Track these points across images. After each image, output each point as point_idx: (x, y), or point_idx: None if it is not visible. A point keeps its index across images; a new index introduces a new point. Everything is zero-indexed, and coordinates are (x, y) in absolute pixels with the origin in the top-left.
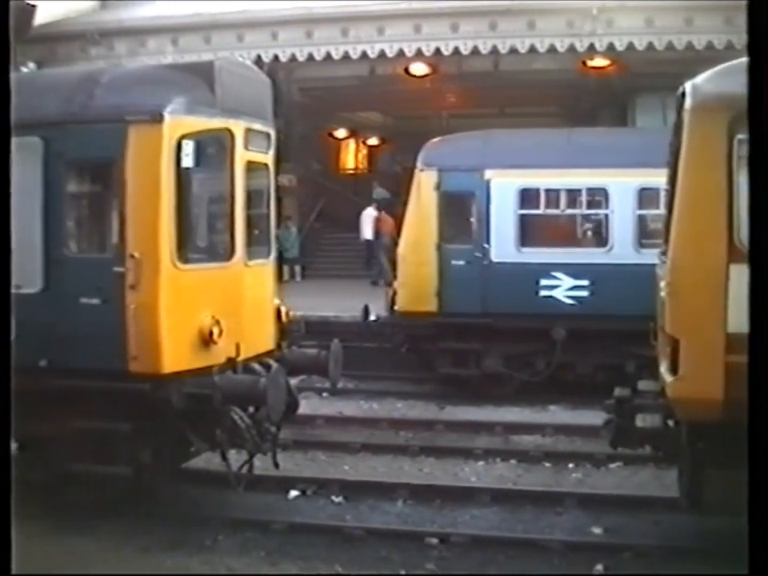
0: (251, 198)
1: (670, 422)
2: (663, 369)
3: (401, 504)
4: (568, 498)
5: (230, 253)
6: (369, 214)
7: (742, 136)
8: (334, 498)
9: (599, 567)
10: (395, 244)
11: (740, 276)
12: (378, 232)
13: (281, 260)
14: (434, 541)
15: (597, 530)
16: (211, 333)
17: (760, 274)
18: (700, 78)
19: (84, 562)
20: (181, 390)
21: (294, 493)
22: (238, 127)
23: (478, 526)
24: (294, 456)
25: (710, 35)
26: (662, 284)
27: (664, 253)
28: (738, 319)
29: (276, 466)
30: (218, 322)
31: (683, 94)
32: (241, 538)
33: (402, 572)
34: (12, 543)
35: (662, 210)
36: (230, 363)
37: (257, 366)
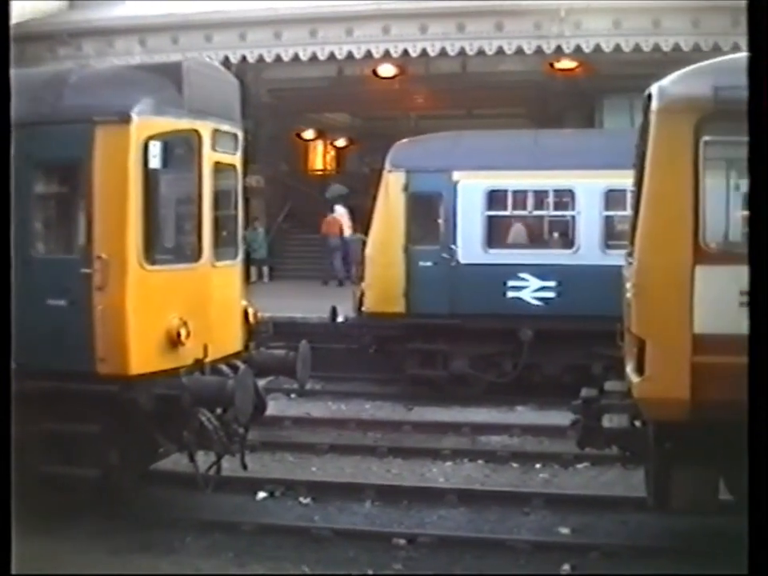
0: (219, 198)
1: (637, 423)
2: (629, 369)
3: (368, 505)
4: (535, 498)
5: (197, 254)
6: (340, 214)
7: (709, 138)
8: (301, 498)
9: (566, 567)
10: (347, 243)
11: (706, 277)
12: (326, 233)
13: (248, 261)
14: (402, 541)
15: (564, 530)
16: (179, 334)
17: (760, 274)
18: (667, 80)
19: (52, 564)
20: (149, 391)
21: (262, 494)
22: (205, 128)
23: (445, 527)
24: (262, 457)
25: (677, 37)
26: (628, 285)
27: (630, 254)
28: (704, 320)
29: (244, 467)
30: (185, 324)
31: (650, 96)
32: (209, 540)
33: (370, 572)
34: (12, 543)
35: (628, 212)
36: (198, 365)
37: (224, 368)
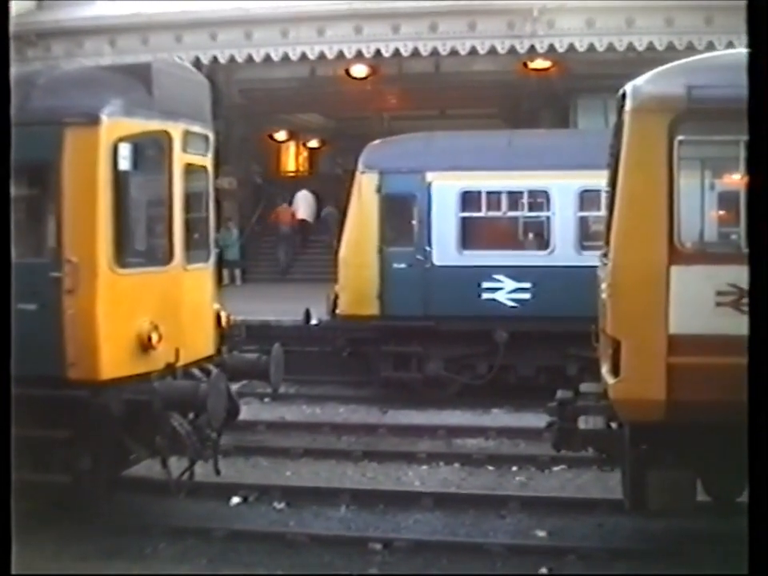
0: (190, 201)
1: (613, 424)
2: (605, 370)
3: (344, 509)
4: (511, 501)
5: (168, 257)
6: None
7: (683, 137)
8: (276, 504)
9: (543, 570)
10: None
11: (681, 277)
12: (276, 221)
13: (222, 263)
14: (378, 546)
15: (540, 533)
16: (150, 338)
17: (760, 274)
18: (640, 80)
19: (22, 570)
20: (120, 396)
21: (235, 499)
22: (176, 129)
23: (421, 531)
24: (235, 462)
25: (651, 36)
26: (603, 286)
27: (605, 254)
28: (680, 320)
29: (217, 472)
30: (156, 328)
31: (623, 96)
32: (182, 546)
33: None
34: (12, 543)
35: (603, 212)
36: (170, 369)
37: (197, 372)
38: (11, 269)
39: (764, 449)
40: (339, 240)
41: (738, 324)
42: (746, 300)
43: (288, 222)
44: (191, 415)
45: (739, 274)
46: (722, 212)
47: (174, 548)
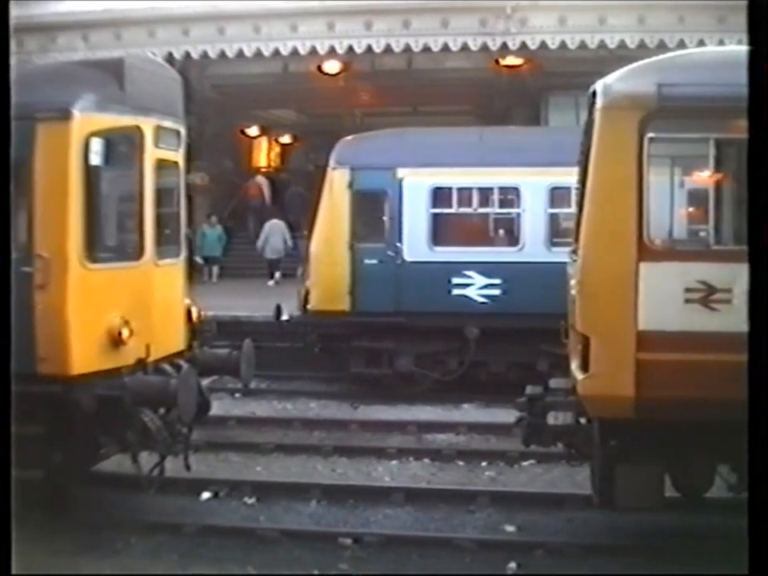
0: (161, 196)
1: (582, 420)
2: (574, 367)
3: (314, 504)
4: (481, 496)
5: (139, 252)
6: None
7: (653, 135)
8: (246, 499)
9: (512, 565)
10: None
11: (650, 274)
12: (246, 196)
13: (200, 260)
14: (348, 541)
15: (510, 528)
16: (120, 333)
17: (760, 274)
18: (611, 78)
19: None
20: (90, 391)
21: (206, 495)
22: (147, 124)
23: (391, 526)
24: (206, 458)
25: (623, 34)
26: (573, 282)
27: (574, 251)
28: (649, 317)
29: (188, 467)
30: (127, 323)
31: (594, 93)
32: (153, 541)
33: (316, 572)
34: (12, 543)
35: (573, 209)
36: (140, 364)
37: (167, 367)
38: (11, 269)
39: (764, 448)
40: (310, 224)
41: (707, 321)
42: (714, 297)
43: (257, 196)
44: (162, 410)
45: (708, 271)
46: (691, 209)
47: (146, 543)
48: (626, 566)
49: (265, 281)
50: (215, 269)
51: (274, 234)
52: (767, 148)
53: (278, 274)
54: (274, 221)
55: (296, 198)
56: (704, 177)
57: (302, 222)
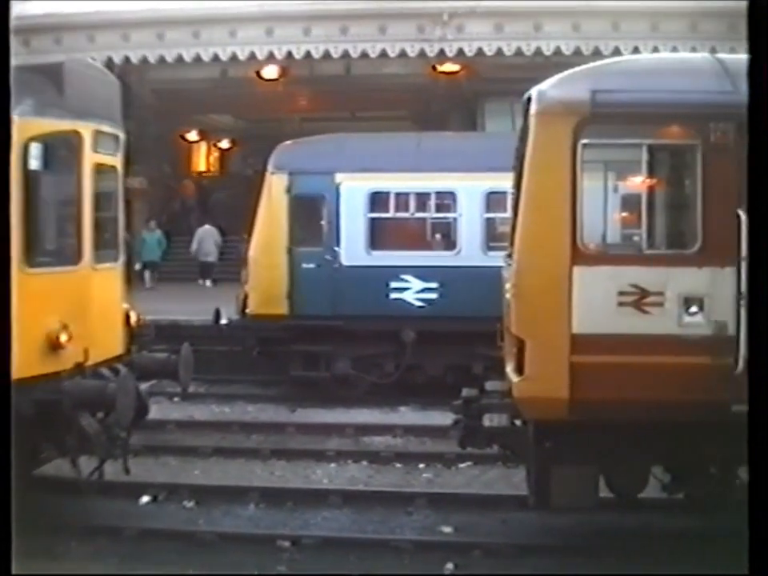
0: (99, 200)
1: (518, 422)
2: (509, 369)
3: (253, 507)
4: (418, 498)
5: (77, 256)
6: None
7: (586, 140)
8: (185, 502)
9: (449, 566)
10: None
11: (583, 278)
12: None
13: (138, 266)
14: (286, 543)
15: (447, 529)
16: (59, 338)
17: (760, 274)
18: (545, 84)
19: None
20: (29, 396)
21: (145, 498)
22: (86, 129)
23: (329, 528)
24: (145, 461)
25: (559, 41)
26: (508, 286)
27: (510, 255)
28: (582, 320)
29: (126, 471)
30: (66, 327)
31: (529, 100)
32: (93, 545)
33: (255, 574)
34: (12, 543)
35: (508, 214)
36: (79, 368)
37: (106, 372)
38: (11, 268)
39: (764, 449)
40: (249, 228)
41: (639, 323)
42: (646, 300)
43: (191, 195)
44: (100, 414)
45: (640, 275)
46: (625, 214)
47: (86, 547)
48: (562, 565)
49: (200, 283)
50: (154, 273)
51: (206, 238)
52: (767, 148)
53: (209, 282)
54: (207, 226)
55: (219, 205)
56: (637, 182)
57: (224, 228)
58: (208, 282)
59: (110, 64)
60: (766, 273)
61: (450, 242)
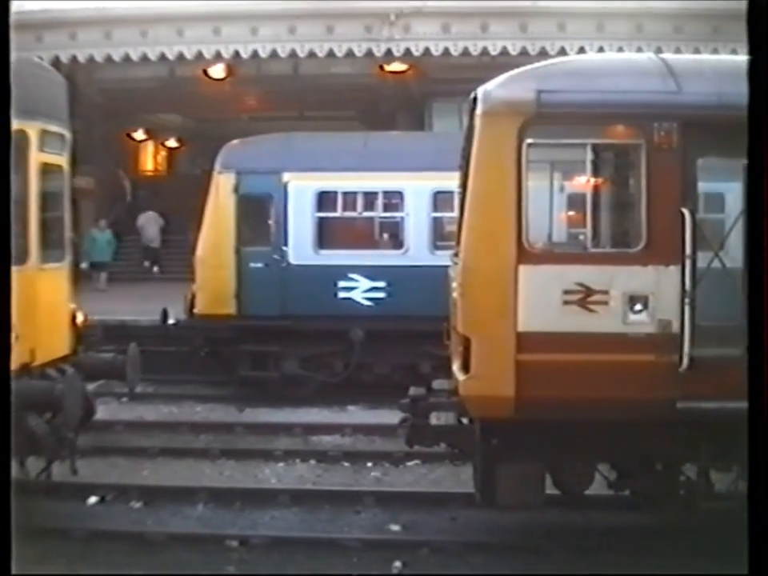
0: (46, 200)
1: (464, 420)
2: (456, 368)
3: (201, 507)
4: (366, 497)
5: (23, 256)
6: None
7: (532, 140)
8: (133, 503)
9: (397, 564)
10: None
11: (529, 277)
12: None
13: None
14: (234, 543)
15: (395, 527)
16: None
17: (760, 274)
18: (491, 84)
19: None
20: None
21: (93, 499)
22: (32, 128)
23: (277, 527)
24: (93, 462)
25: (505, 41)
26: (454, 285)
27: (456, 254)
28: (528, 319)
29: (74, 472)
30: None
31: (475, 99)
32: (41, 546)
33: (204, 574)
34: (12, 543)
35: (455, 213)
36: (25, 369)
37: (52, 372)
38: (11, 268)
39: (764, 449)
40: (196, 227)
41: (585, 322)
42: (591, 298)
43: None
44: (48, 415)
45: (585, 274)
46: (570, 213)
47: (34, 548)
48: (510, 562)
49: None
50: (104, 274)
51: (148, 224)
52: (766, 149)
53: (156, 268)
54: (149, 212)
55: (148, 226)
56: (582, 182)
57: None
58: (155, 268)
59: (57, 63)
60: (766, 272)
61: (397, 242)
